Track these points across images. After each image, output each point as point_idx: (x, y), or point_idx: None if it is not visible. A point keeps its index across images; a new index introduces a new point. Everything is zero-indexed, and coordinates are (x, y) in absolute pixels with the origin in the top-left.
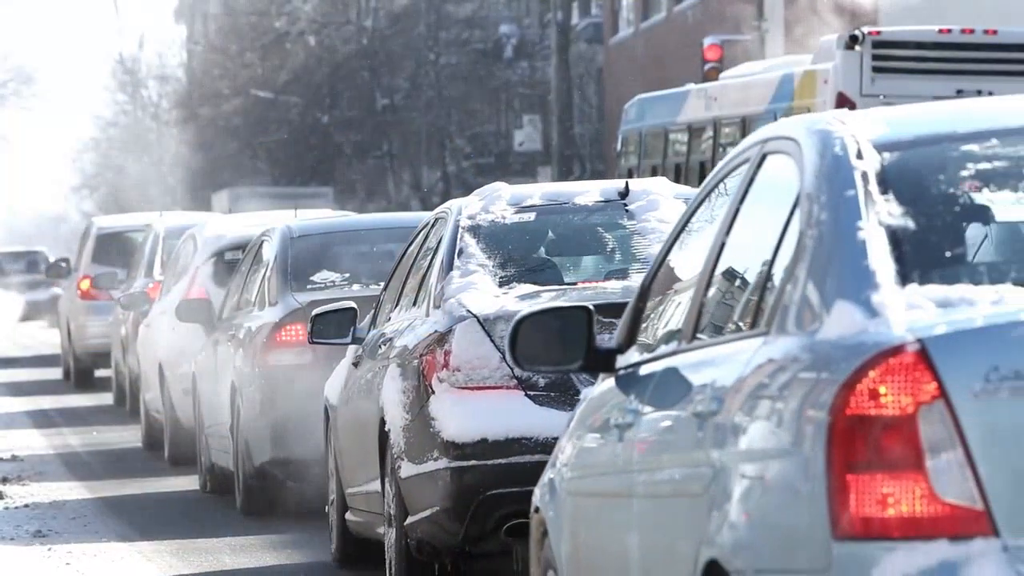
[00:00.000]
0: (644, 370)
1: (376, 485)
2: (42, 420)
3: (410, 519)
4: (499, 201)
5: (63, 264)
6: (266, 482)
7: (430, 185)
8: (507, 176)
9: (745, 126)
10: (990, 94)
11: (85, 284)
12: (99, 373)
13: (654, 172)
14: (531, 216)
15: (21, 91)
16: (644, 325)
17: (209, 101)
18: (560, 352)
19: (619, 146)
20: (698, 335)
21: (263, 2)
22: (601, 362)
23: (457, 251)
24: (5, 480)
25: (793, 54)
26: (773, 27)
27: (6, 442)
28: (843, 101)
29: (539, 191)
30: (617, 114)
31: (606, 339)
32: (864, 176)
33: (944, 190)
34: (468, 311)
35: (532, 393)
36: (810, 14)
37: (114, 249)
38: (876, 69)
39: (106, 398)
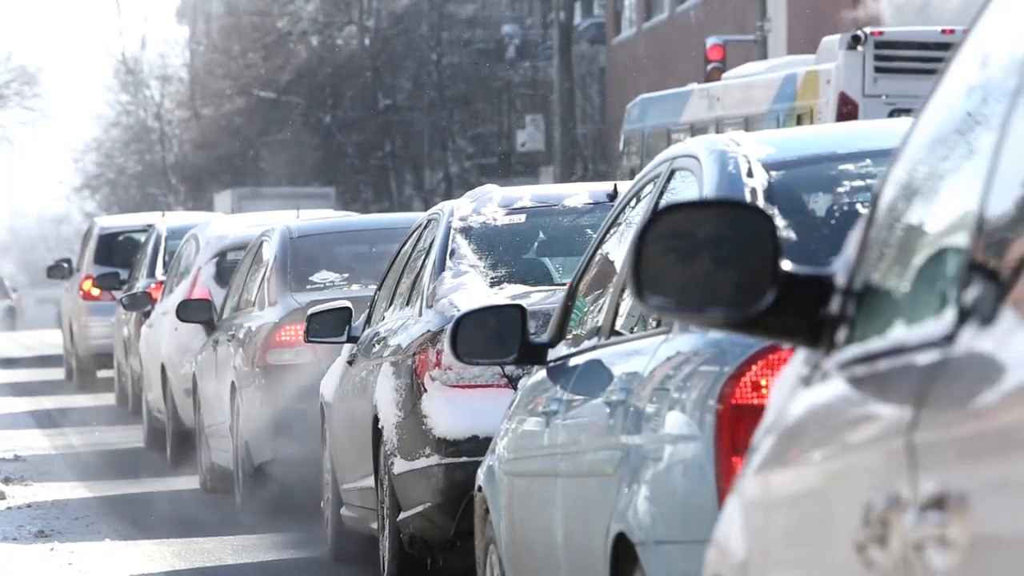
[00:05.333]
0: (570, 363)
1: (370, 481)
2: (44, 420)
3: (402, 515)
4: (490, 203)
5: (65, 265)
6: (266, 481)
7: (432, 185)
8: (509, 176)
9: (748, 127)
10: None
11: (87, 284)
12: (101, 373)
13: None
14: (521, 218)
15: (23, 91)
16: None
17: (211, 101)
18: (497, 346)
19: (621, 146)
20: (615, 331)
21: (265, 2)
22: (534, 355)
23: (449, 252)
24: (8, 480)
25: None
26: (776, 27)
27: (9, 442)
28: (845, 101)
29: (529, 193)
30: (619, 114)
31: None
32: (753, 192)
33: (823, 204)
34: (460, 311)
35: None
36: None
37: (116, 249)
38: (879, 69)
39: (108, 398)
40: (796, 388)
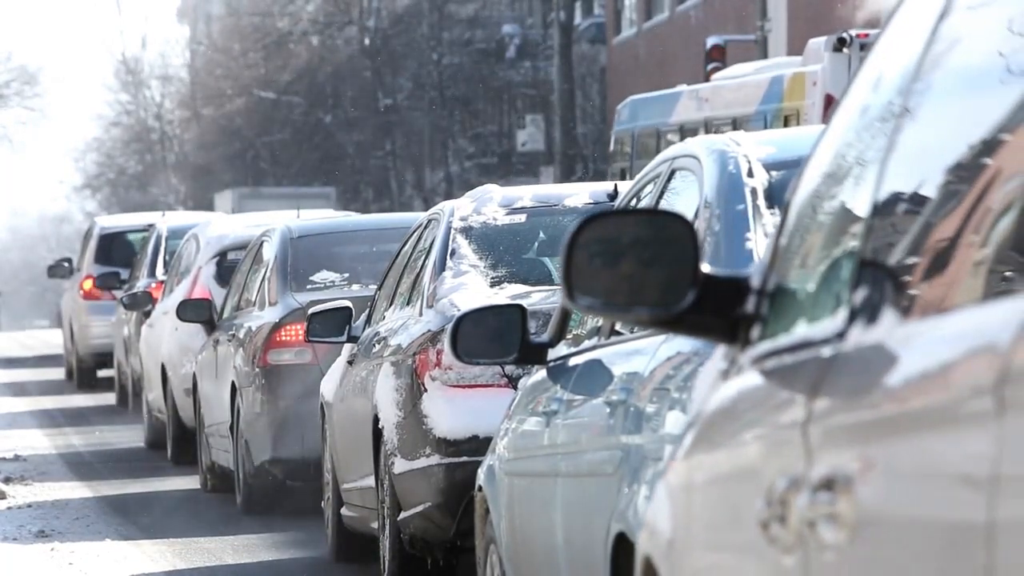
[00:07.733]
0: (570, 363)
1: (370, 481)
2: (45, 420)
3: (403, 514)
4: (490, 203)
5: (65, 264)
6: (266, 481)
7: (432, 185)
8: (510, 176)
9: (736, 127)
10: None
11: (88, 284)
12: (102, 373)
13: None
14: (522, 218)
15: (24, 91)
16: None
17: (212, 101)
18: (497, 346)
19: (612, 147)
20: (615, 331)
21: (266, 2)
22: (534, 355)
23: (449, 252)
24: (8, 480)
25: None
26: (776, 27)
27: (9, 442)
28: (831, 103)
29: (529, 193)
30: None
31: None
32: (753, 192)
33: None
34: (460, 311)
35: None
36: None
37: (117, 249)
38: None
39: (109, 398)
40: (716, 381)
